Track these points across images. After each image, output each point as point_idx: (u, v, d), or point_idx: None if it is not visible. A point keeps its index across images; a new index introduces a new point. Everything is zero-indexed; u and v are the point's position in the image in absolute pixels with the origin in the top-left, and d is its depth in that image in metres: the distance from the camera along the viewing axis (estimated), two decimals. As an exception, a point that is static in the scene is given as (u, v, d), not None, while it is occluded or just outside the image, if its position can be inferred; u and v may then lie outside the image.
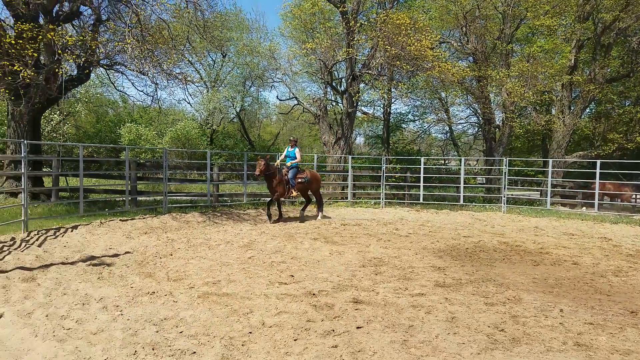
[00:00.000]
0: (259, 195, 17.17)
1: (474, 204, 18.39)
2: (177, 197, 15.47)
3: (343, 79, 22.57)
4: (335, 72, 23.48)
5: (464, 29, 21.33)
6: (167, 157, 13.10)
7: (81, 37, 12.34)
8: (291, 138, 13.52)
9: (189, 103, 38.12)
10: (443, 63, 17.75)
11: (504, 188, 16.86)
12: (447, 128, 32.17)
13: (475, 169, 30.78)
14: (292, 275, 6.93)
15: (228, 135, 31.46)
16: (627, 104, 26.31)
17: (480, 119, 25.67)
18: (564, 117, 21.45)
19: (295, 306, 5.43)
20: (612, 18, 19.53)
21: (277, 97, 47.32)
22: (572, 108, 21.97)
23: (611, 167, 22.69)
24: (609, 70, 21.79)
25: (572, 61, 21.15)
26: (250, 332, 4.62)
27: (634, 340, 4.69)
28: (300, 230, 11.23)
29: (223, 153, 26.36)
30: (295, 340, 4.49)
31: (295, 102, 26.71)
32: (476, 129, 32.27)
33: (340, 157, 20.20)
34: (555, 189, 18.95)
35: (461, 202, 17.27)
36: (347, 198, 17.83)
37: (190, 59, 27.40)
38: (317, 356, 4.15)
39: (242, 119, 32.96)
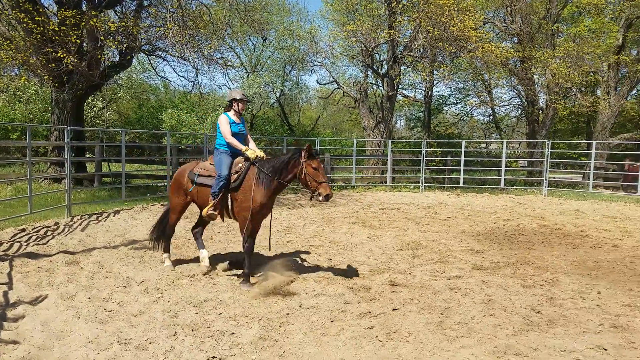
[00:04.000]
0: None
1: (515, 187, 18.02)
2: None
3: (384, 62, 22.16)
4: (376, 55, 23.04)
5: (509, 8, 20.89)
6: (208, 143, 13.30)
7: (123, 23, 12.37)
8: (238, 95, 6.43)
9: (229, 88, 38.58)
10: (487, 44, 17.23)
11: (546, 171, 16.45)
12: (489, 110, 31.33)
13: (518, 152, 29.93)
14: (330, 259, 6.96)
15: (268, 120, 31.59)
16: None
17: (524, 101, 24.97)
18: (610, 98, 20.69)
19: (333, 289, 5.45)
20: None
21: (317, 81, 47.23)
22: (618, 89, 21.13)
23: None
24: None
25: (620, 41, 20.22)
26: (287, 314, 4.68)
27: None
28: (338, 215, 11.25)
29: (263, 138, 26.62)
30: (332, 321, 4.52)
31: (336, 86, 26.53)
32: (519, 112, 31.33)
33: (380, 141, 19.99)
34: (598, 172, 18.27)
35: (502, 185, 16.89)
36: (386, 182, 17.67)
37: (231, 43, 27.50)
38: (353, 337, 4.17)
39: (282, 103, 32.99)
